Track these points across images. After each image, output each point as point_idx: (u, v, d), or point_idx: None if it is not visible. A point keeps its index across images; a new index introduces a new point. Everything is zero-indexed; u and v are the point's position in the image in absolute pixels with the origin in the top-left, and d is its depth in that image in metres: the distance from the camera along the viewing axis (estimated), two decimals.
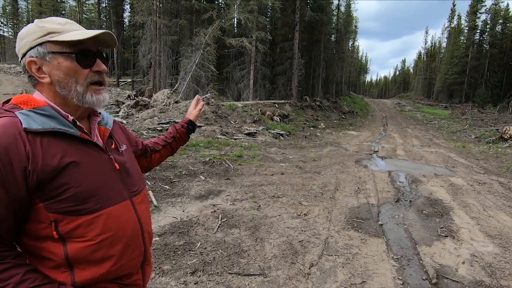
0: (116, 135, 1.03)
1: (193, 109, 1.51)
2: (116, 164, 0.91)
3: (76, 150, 0.81)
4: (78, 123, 0.84)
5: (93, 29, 0.87)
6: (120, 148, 0.99)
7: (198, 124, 9.40)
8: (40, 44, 0.80)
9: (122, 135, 1.09)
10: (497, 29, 36.55)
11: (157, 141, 1.37)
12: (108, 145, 0.94)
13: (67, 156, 0.78)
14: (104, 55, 0.90)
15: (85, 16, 35.35)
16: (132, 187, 0.94)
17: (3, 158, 0.70)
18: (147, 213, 1.01)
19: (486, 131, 15.02)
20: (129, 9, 29.39)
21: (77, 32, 0.83)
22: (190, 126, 1.46)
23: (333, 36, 31.65)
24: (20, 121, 0.75)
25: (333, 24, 30.71)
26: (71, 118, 0.83)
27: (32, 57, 0.81)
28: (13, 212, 0.73)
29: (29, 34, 0.81)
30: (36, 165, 0.73)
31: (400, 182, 5.64)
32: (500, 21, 36.21)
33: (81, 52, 0.82)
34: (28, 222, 0.77)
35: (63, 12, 34.16)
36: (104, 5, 31.39)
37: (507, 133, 12.15)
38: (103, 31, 0.85)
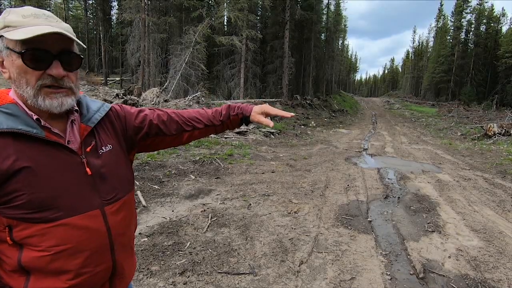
0: (102, 132, 0.91)
1: (260, 112, 1.13)
2: (87, 169, 0.81)
3: (37, 153, 0.74)
4: (43, 122, 0.77)
5: (64, 26, 0.76)
6: (101, 149, 0.87)
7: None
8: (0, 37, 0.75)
9: (116, 127, 0.97)
10: (481, 29, 37.52)
11: (200, 118, 1.13)
12: (85, 146, 0.84)
13: (22, 160, 0.71)
14: (74, 53, 0.80)
15: (71, 13, 34.51)
16: (106, 194, 0.85)
17: None
18: (123, 223, 0.90)
19: (471, 128, 15.42)
20: (117, 6, 28.83)
21: (25, 29, 0.73)
22: (244, 121, 1.17)
23: (323, 34, 31.85)
24: None
25: (323, 23, 30.91)
26: (35, 117, 0.76)
27: None
28: None
29: None
30: None
31: (388, 179, 5.72)
32: (484, 20, 37.20)
33: (29, 52, 0.73)
34: None
35: (47, 9, 33.27)
36: (90, 1, 30.70)
37: (491, 130, 12.50)
38: (46, 31, 0.72)
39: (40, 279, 0.76)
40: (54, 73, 0.76)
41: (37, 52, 0.74)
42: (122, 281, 0.93)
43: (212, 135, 8.85)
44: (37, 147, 0.75)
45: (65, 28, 0.78)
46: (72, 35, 0.78)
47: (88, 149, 0.85)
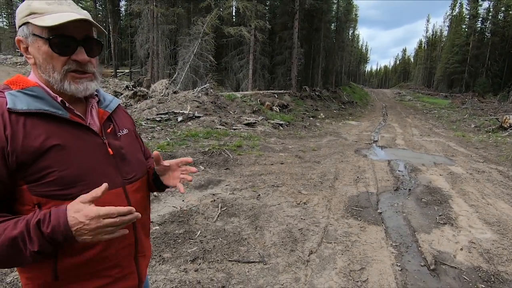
0: (118, 118, 0.98)
1: (168, 164, 1.07)
2: (109, 149, 0.87)
3: (64, 133, 0.78)
4: (67, 104, 0.81)
5: (84, 13, 0.81)
6: (119, 132, 0.94)
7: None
8: (25, 24, 0.78)
9: (128, 120, 1.05)
10: (499, 17, 36.03)
11: None
12: (105, 128, 0.90)
13: (52, 138, 0.75)
14: (95, 39, 0.84)
15: (81, 5, 34.70)
16: (127, 174, 0.90)
17: None
18: (143, 202, 0.97)
19: (486, 120, 14.98)
20: None
21: (52, 16, 0.77)
22: (156, 181, 1.07)
23: (333, 24, 31.20)
24: (6, 102, 0.74)
25: (333, 12, 30.22)
26: (59, 99, 0.81)
27: (20, 36, 0.79)
28: None
29: (19, 11, 0.79)
30: (16, 146, 0.71)
31: (399, 171, 5.64)
32: (503, 8, 35.66)
33: (56, 38, 0.77)
34: (13, 203, 0.76)
35: None
36: None
37: (506, 122, 12.13)
38: (75, 18, 0.76)
39: (68, 255, 0.79)
40: (80, 58, 0.80)
41: (64, 39, 0.78)
42: (145, 260, 0.99)
43: (220, 127, 8.87)
44: (62, 127, 0.79)
45: (85, 15, 0.81)
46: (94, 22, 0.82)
47: (108, 130, 0.91)
